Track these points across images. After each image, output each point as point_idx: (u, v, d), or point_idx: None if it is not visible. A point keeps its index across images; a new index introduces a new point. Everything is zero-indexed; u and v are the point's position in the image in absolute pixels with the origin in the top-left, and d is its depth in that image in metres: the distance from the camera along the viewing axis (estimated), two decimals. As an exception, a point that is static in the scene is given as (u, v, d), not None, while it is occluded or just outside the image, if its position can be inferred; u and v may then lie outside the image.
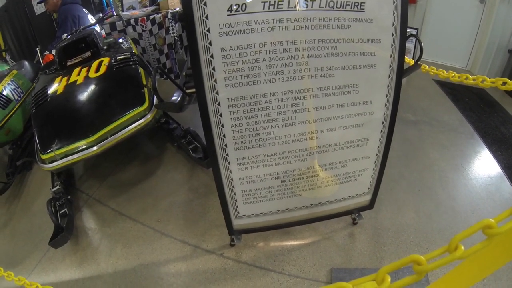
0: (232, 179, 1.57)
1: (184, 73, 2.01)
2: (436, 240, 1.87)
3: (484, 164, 2.43)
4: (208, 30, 1.22)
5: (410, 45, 3.65)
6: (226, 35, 1.24)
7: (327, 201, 1.77)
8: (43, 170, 2.22)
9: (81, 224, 2.31)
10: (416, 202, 2.14)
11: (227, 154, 1.48)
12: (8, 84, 2.94)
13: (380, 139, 1.63)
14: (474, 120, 2.93)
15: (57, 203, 2.29)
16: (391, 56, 1.42)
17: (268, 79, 1.33)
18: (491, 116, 3.01)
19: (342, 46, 1.35)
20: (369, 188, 1.81)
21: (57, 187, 2.38)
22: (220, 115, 1.37)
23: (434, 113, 3.07)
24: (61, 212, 2.22)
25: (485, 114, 3.04)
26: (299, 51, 1.31)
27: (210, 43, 1.24)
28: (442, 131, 2.80)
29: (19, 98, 2.96)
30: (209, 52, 1.26)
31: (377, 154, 1.68)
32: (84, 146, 2.09)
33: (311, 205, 1.76)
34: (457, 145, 2.63)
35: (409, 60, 2.79)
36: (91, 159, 2.36)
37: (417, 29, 3.76)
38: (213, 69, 1.28)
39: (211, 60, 1.27)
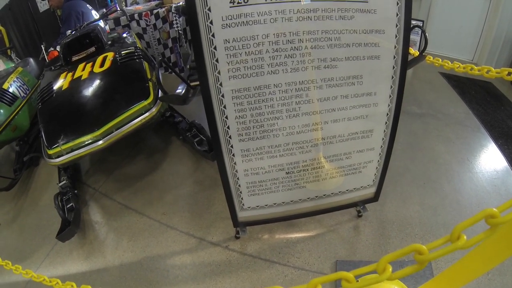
0: (236, 171, 1.57)
1: (188, 66, 2.02)
2: (441, 234, 1.87)
3: (490, 158, 2.40)
4: (211, 22, 1.23)
5: (415, 37, 3.62)
6: (229, 27, 1.24)
7: (332, 193, 1.77)
8: (49, 165, 2.24)
9: (87, 218, 2.34)
10: (421, 195, 2.13)
11: (232, 146, 1.48)
12: (14, 81, 2.96)
13: (384, 131, 1.62)
14: (481, 114, 2.90)
15: (64, 197, 2.32)
16: (395, 47, 1.41)
17: (271, 71, 1.33)
18: (498, 109, 2.97)
19: (346, 37, 1.34)
20: (373, 180, 1.81)
21: (64, 181, 2.40)
22: (224, 106, 1.37)
23: (440, 106, 3.04)
24: (68, 206, 2.25)
25: (492, 107, 3.00)
26: (302, 42, 1.31)
27: (213, 35, 1.24)
28: (448, 124, 2.78)
29: (25, 95, 2.98)
30: (212, 44, 1.26)
31: (381, 146, 1.67)
32: (90, 141, 2.10)
33: (316, 197, 1.76)
34: (463, 138, 2.60)
35: (414, 51, 2.76)
36: (97, 154, 2.38)
37: (422, 21, 3.72)
38: (217, 61, 1.29)
39: (214, 52, 1.27)
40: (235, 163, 1.54)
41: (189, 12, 1.21)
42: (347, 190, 1.79)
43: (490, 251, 0.83)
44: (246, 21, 1.24)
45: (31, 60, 3.52)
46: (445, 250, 0.75)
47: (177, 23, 3.41)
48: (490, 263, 0.86)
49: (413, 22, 1.43)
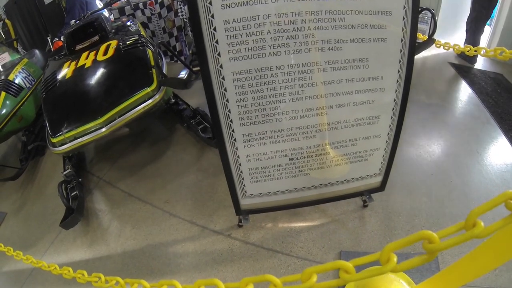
0: (238, 157, 1.54)
1: (190, 51, 1.99)
2: (449, 226, 1.81)
3: (500, 151, 2.32)
4: (210, 3, 1.19)
5: (425, 26, 3.53)
6: (229, 7, 1.20)
7: (337, 181, 1.73)
8: (54, 153, 2.25)
9: (91, 206, 2.35)
10: (429, 187, 2.07)
11: (233, 131, 1.45)
12: (20, 72, 3.00)
13: (392, 117, 1.57)
14: (491, 105, 2.82)
15: (68, 185, 2.34)
16: (402, 30, 1.35)
17: (273, 52, 1.29)
18: (509, 101, 2.88)
19: (351, 18, 1.29)
20: (380, 169, 1.76)
21: (68, 170, 2.42)
22: (225, 89, 1.34)
23: (449, 96, 2.97)
24: (72, 194, 2.27)
25: (502, 99, 2.91)
26: (305, 22, 1.26)
27: (212, 16, 1.21)
28: (457, 115, 2.71)
29: (30, 86, 3.01)
30: (212, 25, 1.22)
31: (388, 134, 1.62)
32: (93, 128, 2.11)
33: (320, 185, 1.72)
34: (472, 130, 2.53)
35: (423, 37, 2.68)
36: (101, 142, 2.38)
37: (433, 10, 3.63)
38: (216, 42, 1.25)
39: (214, 34, 1.24)
40: (236, 148, 1.51)
41: (188, -8, 1.18)
42: (352, 179, 1.75)
43: (504, 244, 0.74)
44: (247, 1, 1.20)
45: (37, 51, 3.55)
46: (458, 239, 0.66)
47: (181, 11, 3.39)
48: (502, 257, 0.78)
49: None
